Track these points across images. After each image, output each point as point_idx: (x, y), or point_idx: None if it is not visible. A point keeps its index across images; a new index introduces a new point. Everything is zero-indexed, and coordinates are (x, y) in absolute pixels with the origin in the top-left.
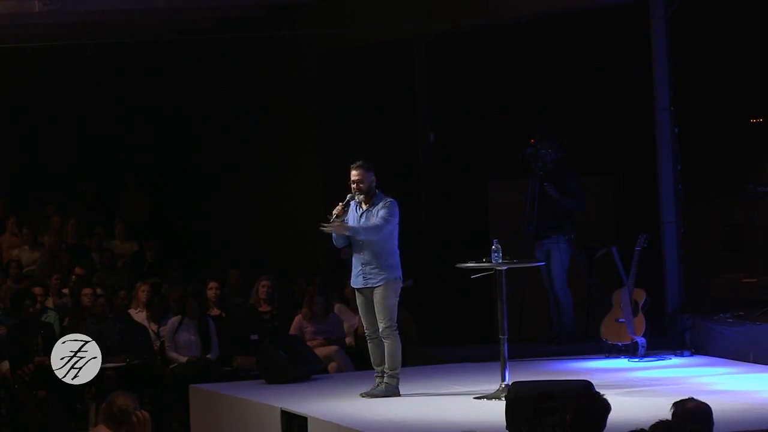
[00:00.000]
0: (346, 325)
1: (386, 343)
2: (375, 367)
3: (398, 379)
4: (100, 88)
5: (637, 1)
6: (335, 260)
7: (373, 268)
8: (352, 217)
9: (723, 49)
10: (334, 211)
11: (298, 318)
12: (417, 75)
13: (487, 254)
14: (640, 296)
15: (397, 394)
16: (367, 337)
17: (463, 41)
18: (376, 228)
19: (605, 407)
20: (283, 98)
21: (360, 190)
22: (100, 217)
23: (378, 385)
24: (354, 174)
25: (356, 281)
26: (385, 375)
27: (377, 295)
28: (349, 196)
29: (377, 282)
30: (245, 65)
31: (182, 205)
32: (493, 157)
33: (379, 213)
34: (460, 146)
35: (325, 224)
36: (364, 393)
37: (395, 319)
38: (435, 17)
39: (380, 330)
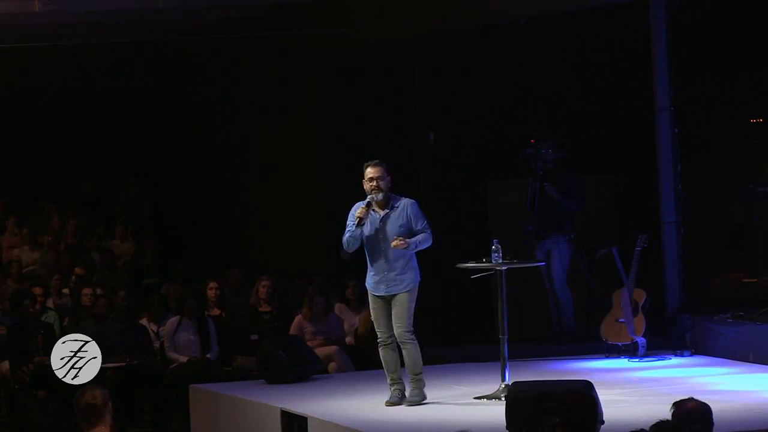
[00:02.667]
0: (346, 325)
1: (408, 348)
2: (389, 374)
3: (423, 381)
4: (100, 88)
5: (637, 1)
6: (335, 260)
7: (398, 275)
8: (370, 223)
9: (723, 49)
10: (358, 213)
11: (298, 318)
12: (417, 75)
13: (487, 254)
14: (640, 296)
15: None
16: (381, 343)
17: (463, 41)
18: (429, 237)
19: (594, 403)
20: (283, 98)
21: (379, 188)
22: (100, 217)
23: (413, 390)
24: (372, 171)
25: (378, 289)
26: (414, 380)
27: (400, 299)
28: (369, 197)
29: (403, 288)
30: (245, 65)
31: (182, 205)
32: (493, 157)
33: (418, 222)
34: (460, 146)
35: (397, 239)
36: (407, 401)
37: (412, 322)
38: (435, 17)
39: (399, 335)
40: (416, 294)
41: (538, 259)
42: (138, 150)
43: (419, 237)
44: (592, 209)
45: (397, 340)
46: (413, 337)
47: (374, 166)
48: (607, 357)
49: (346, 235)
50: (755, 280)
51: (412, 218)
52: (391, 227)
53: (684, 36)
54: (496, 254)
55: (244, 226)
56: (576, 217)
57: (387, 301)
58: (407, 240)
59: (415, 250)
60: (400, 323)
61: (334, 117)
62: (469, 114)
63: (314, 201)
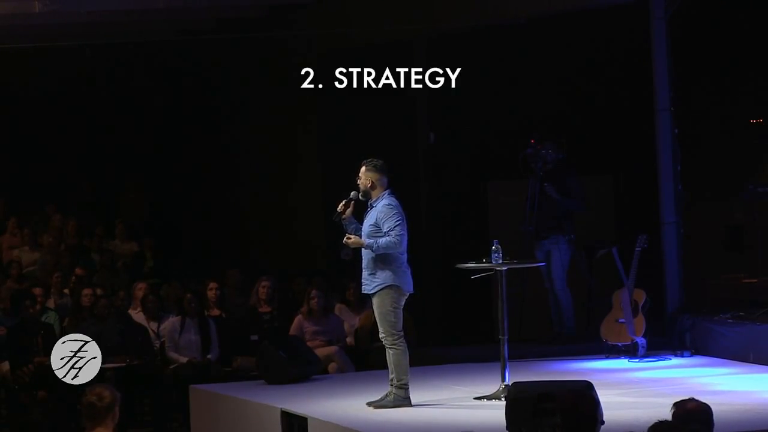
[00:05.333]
0: (346, 325)
1: (390, 353)
2: (389, 375)
3: (407, 389)
4: (100, 88)
5: (637, 1)
6: (335, 260)
7: (369, 274)
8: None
9: (723, 49)
10: (338, 209)
11: (298, 318)
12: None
13: (487, 254)
14: (640, 297)
15: (407, 405)
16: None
17: (463, 41)
18: (393, 242)
19: (594, 403)
20: (283, 98)
21: (358, 187)
22: (100, 217)
23: (387, 395)
24: (360, 170)
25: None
26: (393, 386)
27: (374, 303)
28: (353, 193)
29: (371, 289)
30: (245, 65)
31: (182, 206)
32: (493, 157)
33: (385, 224)
34: (460, 146)
35: (348, 238)
36: (373, 403)
37: (398, 328)
38: (435, 17)
39: (383, 339)
40: (394, 298)
41: (538, 260)
42: (138, 150)
43: (381, 240)
44: (592, 209)
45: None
46: (395, 342)
47: (362, 165)
48: (607, 357)
49: None
50: (755, 280)
51: (380, 221)
52: (365, 226)
53: (684, 36)
54: (496, 254)
55: (244, 226)
56: (576, 217)
57: (372, 301)
58: (361, 240)
59: (377, 251)
60: (380, 328)
61: (334, 117)
62: (469, 114)
63: (314, 201)
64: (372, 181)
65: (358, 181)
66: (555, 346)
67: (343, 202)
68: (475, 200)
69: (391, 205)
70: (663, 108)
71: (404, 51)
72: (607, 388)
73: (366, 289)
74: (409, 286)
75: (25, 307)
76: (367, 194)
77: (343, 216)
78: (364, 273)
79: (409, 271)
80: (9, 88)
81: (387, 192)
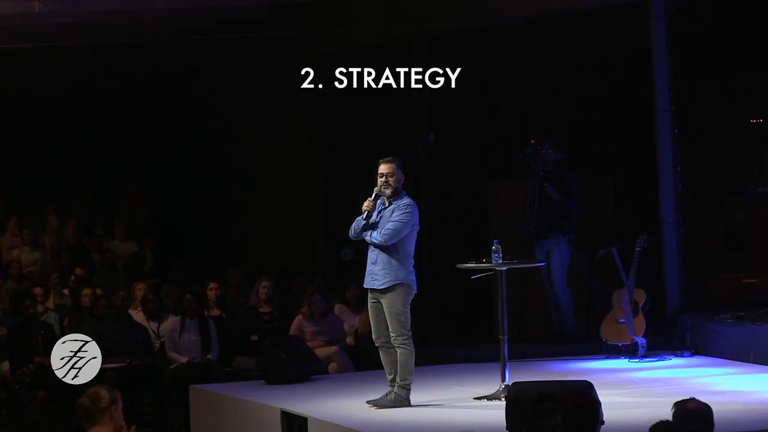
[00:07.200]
0: (346, 326)
1: (398, 352)
2: (387, 375)
3: (409, 389)
4: (100, 88)
5: (637, 1)
6: (336, 260)
7: (381, 269)
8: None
9: (723, 50)
10: (364, 207)
11: (298, 318)
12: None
13: (487, 255)
14: (640, 297)
15: (407, 405)
16: (376, 344)
17: (463, 41)
18: (383, 235)
19: (595, 403)
20: (283, 99)
21: (388, 185)
22: (100, 217)
23: (387, 395)
24: (383, 168)
25: (366, 280)
26: (396, 385)
27: (385, 302)
28: (375, 189)
29: (382, 284)
30: (245, 65)
31: (182, 206)
32: (493, 157)
33: (393, 215)
34: (460, 147)
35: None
36: (372, 401)
37: (408, 328)
38: (435, 17)
39: (392, 339)
40: (405, 297)
41: (538, 260)
42: (138, 150)
43: (381, 230)
44: (592, 209)
45: (392, 343)
46: (404, 342)
47: (386, 162)
48: (607, 357)
49: (353, 223)
50: (755, 280)
51: (394, 214)
52: (383, 222)
53: (684, 36)
54: (496, 254)
55: (244, 226)
56: (576, 217)
57: (375, 297)
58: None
59: (378, 237)
60: (390, 327)
61: (334, 117)
62: (469, 114)
63: (314, 201)
64: (402, 180)
65: (389, 179)
66: (555, 346)
67: (372, 199)
68: (475, 200)
69: (413, 205)
70: (663, 108)
71: (404, 51)
72: (607, 388)
73: (375, 284)
74: (416, 286)
75: (25, 307)
76: (395, 192)
77: (371, 214)
78: (375, 268)
79: (414, 272)
80: (9, 88)
81: (405, 193)
